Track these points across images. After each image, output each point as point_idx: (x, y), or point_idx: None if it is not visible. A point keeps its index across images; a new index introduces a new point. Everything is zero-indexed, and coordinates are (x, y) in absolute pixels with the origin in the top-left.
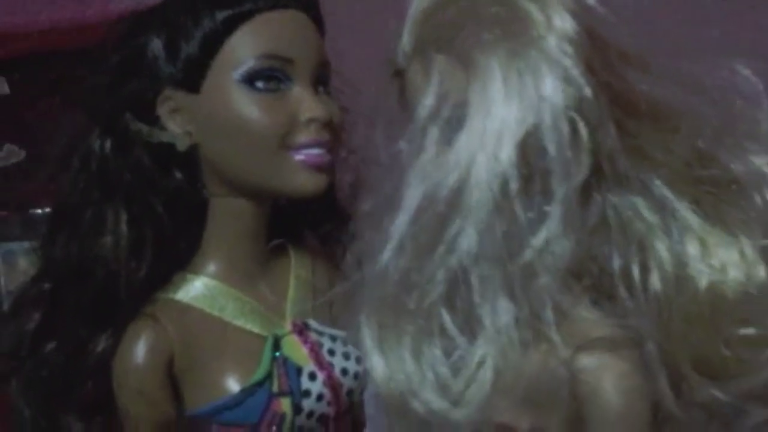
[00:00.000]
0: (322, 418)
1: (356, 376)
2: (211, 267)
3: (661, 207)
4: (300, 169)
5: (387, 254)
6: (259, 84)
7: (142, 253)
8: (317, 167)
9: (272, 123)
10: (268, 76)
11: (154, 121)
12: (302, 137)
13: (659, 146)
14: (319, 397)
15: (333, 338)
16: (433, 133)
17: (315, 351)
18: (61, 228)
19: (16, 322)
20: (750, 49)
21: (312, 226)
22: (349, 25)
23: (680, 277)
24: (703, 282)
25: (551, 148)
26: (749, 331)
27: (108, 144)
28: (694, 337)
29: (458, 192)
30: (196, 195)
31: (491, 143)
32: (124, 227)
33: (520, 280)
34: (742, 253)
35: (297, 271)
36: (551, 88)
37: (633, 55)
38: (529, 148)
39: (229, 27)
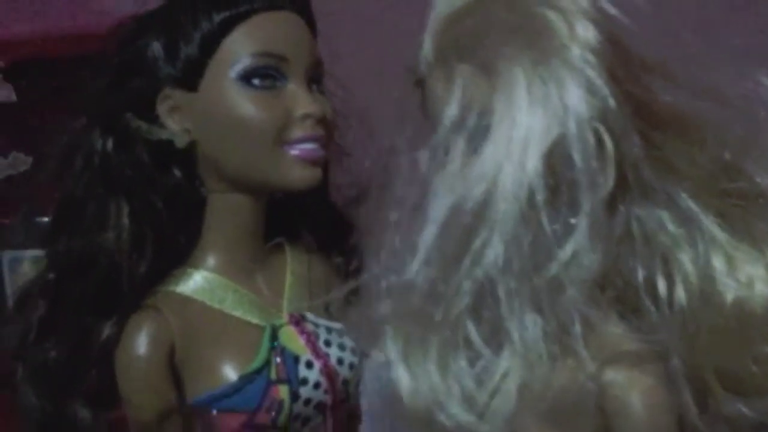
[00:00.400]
0: (320, 406)
1: (351, 366)
2: (211, 261)
3: (686, 220)
4: (295, 164)
5: (414, 266)
6: (255, 81)
7: (143, 247)
8: (311, 161)
9: (268, 119)
10: (264, 74)
11: (154, 119)
12: (297, 132)
13: (684, 158)
14: (317, 385)
15: (329, 330)
16: (459, 143)
17: (311, 341)
18: (65, 222)
19: (21, 316)
20: None
21: (309, 226)
22: (356, 29)
23: (706, 291)
24: (729, 296)
25: (577, 159)
26: None
27: (110, 142)
28: (720, 352)
29: (485, 203)
30: (195, 191)
31: (517, 153)
32: (126, 221)
33: (547, 293)
34: None
35: (293, 266)
36: (575, 98)
37: (656, 65)
38: (556, 158)
39: (226, 27)
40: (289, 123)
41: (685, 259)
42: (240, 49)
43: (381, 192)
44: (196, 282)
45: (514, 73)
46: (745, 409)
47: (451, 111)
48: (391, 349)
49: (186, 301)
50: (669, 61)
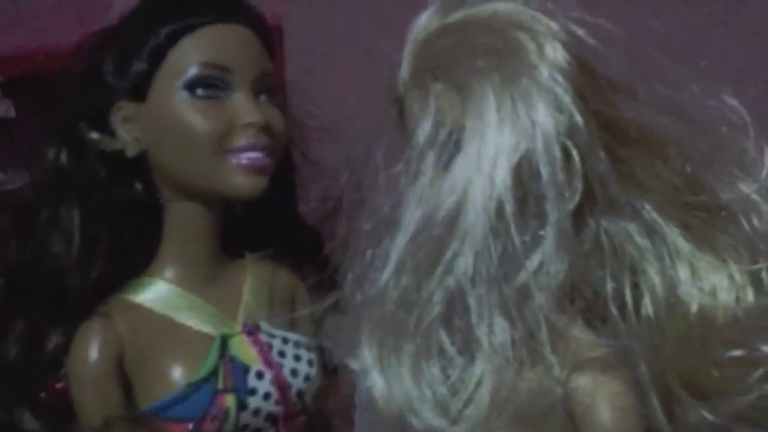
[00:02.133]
0: (271, 417)
1: (307, 377)
2: (167, 270)
3: (651, 232)
4: (238, 171)
5: (386, 275)
6: (200, 91)
7: (94, 255)
8: (255, 169)
9: (210, 127)
10: (208, 84)
11: (109, 132)
12: (240, 141)
13: (649, 172)
14: (266, 396)
15: (285, 340)
16: (431, 157)
17: (264, 351)
18: (17, 227)
19: None
20: (737, 76)
21: (277, 239)
22: (333, 47)
23: (671, 301)
24: (694, 306)
25: (545, 173)
26: (737, 353)
27: (63, 152)
28: (685, 359)
29: (455, 215)
30: (152, 201)
31: (487, 167)
32: (76, 228)
33: (515, 301)
34: (731, 278)
35: (254, 276)
36: (543, 115)
37: (621, 84)
38: (524, 172)
39: (172, 39)
40: (232, 131)
41: (651, 270)
42: (185, 59)
43: (355, 205)
44: (151, 291)
45: (485, 91)
46: (708, 414)
47: (425, 127)
48: (366, 355)
49: (139, 309)
50: (635, 79)
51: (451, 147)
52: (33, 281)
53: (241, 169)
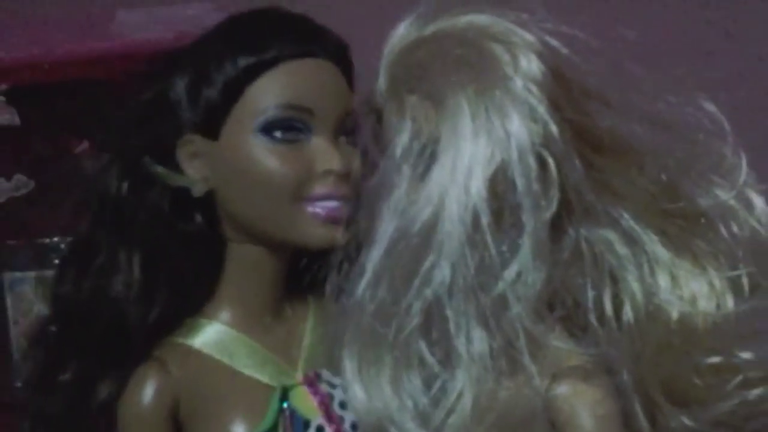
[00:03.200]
0: None
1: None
2: (225, 313)
3: (630, 240)
4: (314, 222)
5: (362, 287)
6: (277, 134)
7: (153, 296)
8: (333, 220)
9: (287, 173)
10: (287, 127)
11: (173, 164)
12: (318, 189)
13: (624, 180)
14: None
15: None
16: (406, 169)
17: (325, 404)
18: (73, 266)
19: (28, 358)
20: (714, 84)
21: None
22: None
23: (651, 309)
24: (673, 313)
25: (520, 183)
26: (717, 359)
27: (125, 185)
28: (665, 366)
29: (431, 226)
30: (213, 240)
31: (462, 178)
32: (136, 269)
33: (493, 311)
34: (710, 285)
35: (315, 321)
36: (517, 126)
37: (596, 93)
38: (499, 183)
39: (252, 74)
40: (310, 178)
41: (631, 278)
42: (264, 98)
43: None
44: (207, 334)
45: (460, 103)
46: (688, 421)
47: (401, 139)
48: (346, 367)
49: (194, 354)
50: (611, 88)
51: (426, 158)
52: (89, 325)
53: (318, 219)
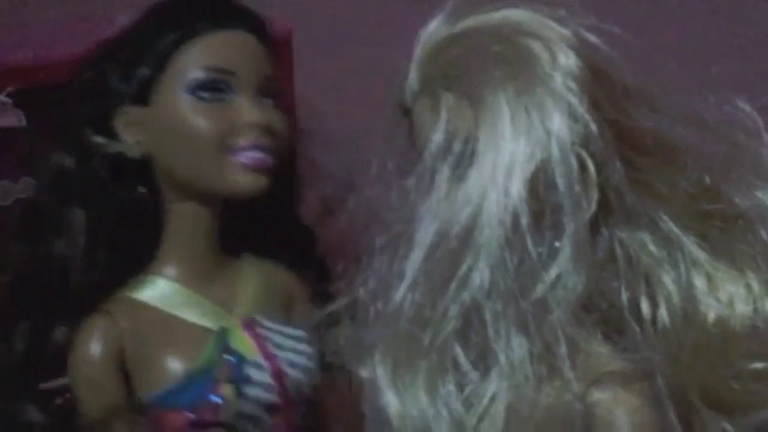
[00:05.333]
0: (268, 407)
1: (305, 370)
2: (168, 269)
3: (668, 242)
4: (240, 170)
5: (401, 291)
6: (203, 94)
7: (96, 255)
8: (256, 168)
9: (212, 127)
10: (212, 87)
11: (113, 136)
12: (242, 140)
13: (666, 181)
14: (264, 386)
15: (282, 334)
16: (444, 169)
17: (261, 343)
18: (24, 228)
19: None
20: (749, 84)
21: (273, 239)
22: (343, 57)
23: (688, 311)
24: (710, 316)
25: (561, 183)
26: (758, 365)
27: (69, 156)
28: (704, 371)
29: (470, 228)
30: (156, 203)
31: (501, 179)
32: (80, 229)
33: (533, 316)
34: (748, 288)
35: (252, 272)
36: (558, 124)
37: (636, 91)
38: (539, 183)
39: (176, 45)
40: (234, 132)
41: (668, 279)
42: (189, 64)
43: (369, 219)
44: (152, 289)
45: (499, 101)
46: (729, 427)
47: (436, 138)
48: (379, 374)
49: (140, 306)
50: (649, 87)
51: (464, 158)
52: (39, 282)
53: (243, 168)
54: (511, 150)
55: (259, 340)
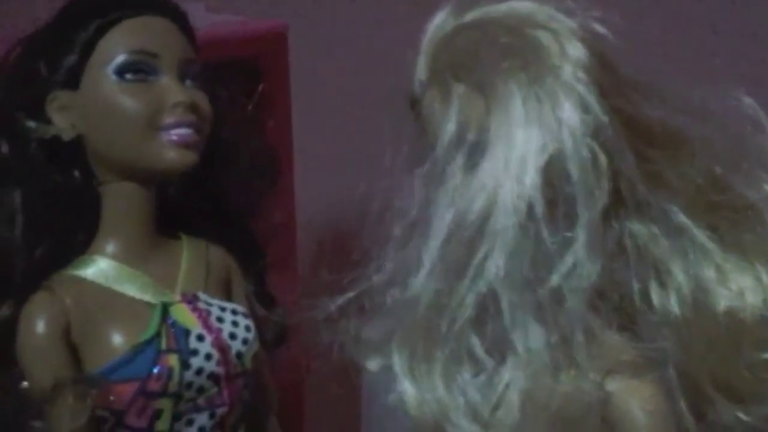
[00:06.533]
0: (213, 377)
1: (245, 341)
2: (108, 247)
3: (678, 232)
4: (168, 147)
5: (420, 279)
6: (128, 76)
7: (37, 235)
8: (184, 144)
9: (140, 107)
10: (136, 69)
11: (45, 121)
12: (169, 118)
13: (675, 172)
14: (208, 357)
15: (222, 308)
16: (458, 158)
17: (203, 317)
18: None
19: None
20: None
21: (207, 221)
22: (348, 50)
23: (698, 301)
24: (721, 306)
25: (574, 172)
26: None
27: (3, 141)
28: (715, 360)
29: (485, 217)
30: (87, 183)
31: (515, 168)
32: (18, 211)
33: (549, 304)
34: (758, 279)
35: (189, 251)
36: (569, 114)
37: (643, 82)
38: (553, 172)
39: (101, 32)
40: (161, 110)
41: (677, 270)
42: (113, 48)
43: (381, 210)
44: (93, 266)
45: (511, 91)
46: (743, 416)
47: (449, 128)
48: (396, 362)
49: (82, 282)
50: (656, 78)
51: (477, 148)
52: None
53: (171, 145)
54: (524, 139)
55: (201, 313)
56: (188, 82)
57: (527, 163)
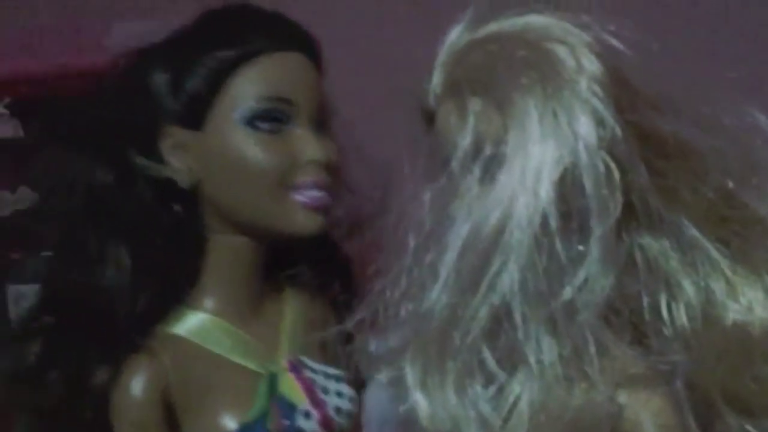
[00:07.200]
0: None
1: (349, 415)
2: (209, 302)
3: (688, 246)
4: (299, 210)
5: (435, 292)
6: (260, 124)
7: (141, 287)
8: (316, 208)
9: (272, 162)
10: (269, 117)
11: (156, 156)
12: (302, 178)
13: (688, 186)
14: None
15: (327, 375)
16: (474, 171)
17: (310, 389)
18: (64, 260)
19: (18, 350)
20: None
21: (308, 263)
22: (360, 62)
23: (707, 314)
24: (730, 320)
25: (588, 186)
26: None
27: (110, 178)
28: (724, 373)
29: (500, 230)
30: (196, 231)
31: (531, 181)
32: (125, 260)
33: (562, 318)
34: (767, 292)
35: (293, 307)
36: (585, 127)
37: (657, 96)
38: (567, 185)
39: (232, 66)
40: (294, 167)
41: (687, 283)
42: (245, 91)
43: (395, 222)
44: (193, 323)
45: (527, 105)
46: (752, 429)
47: (465, 141)
48: (409, 374)
49: (183, 342)
50: (669, 92)
51: (493, 161)
52: (81, 316)
53: (302, 208)
54: (540, 153)
55: (307, 384)
56: (321, 132)
57: (542, 176)
